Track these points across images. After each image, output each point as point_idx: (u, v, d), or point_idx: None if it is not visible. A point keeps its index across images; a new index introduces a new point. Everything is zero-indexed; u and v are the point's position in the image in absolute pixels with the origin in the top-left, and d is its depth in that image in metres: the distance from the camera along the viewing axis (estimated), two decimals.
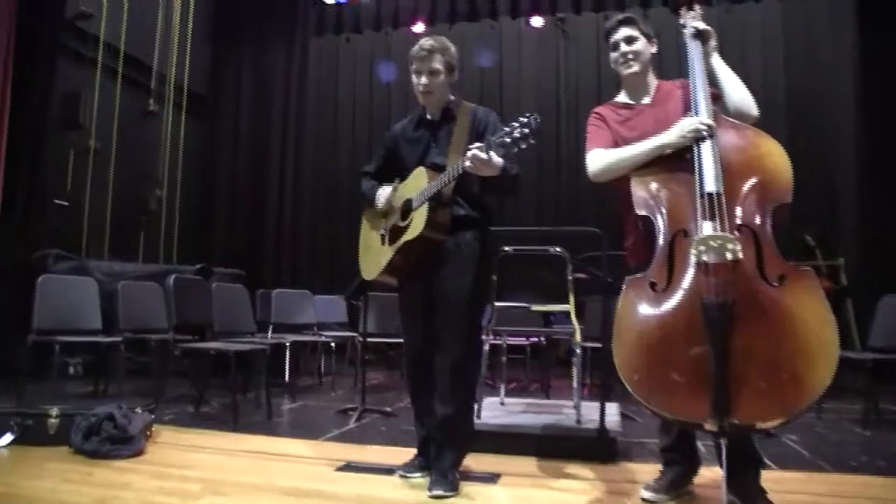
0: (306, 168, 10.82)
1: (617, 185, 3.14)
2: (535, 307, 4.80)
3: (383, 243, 3.60)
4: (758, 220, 2.64)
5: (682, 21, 3.19)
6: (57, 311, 5.56)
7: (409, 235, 3.38)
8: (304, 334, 7.49)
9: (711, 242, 2.51)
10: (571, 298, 4.52)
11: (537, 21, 11.02)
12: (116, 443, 3.91)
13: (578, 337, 4.48)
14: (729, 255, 2.49)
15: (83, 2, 8.74)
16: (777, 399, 2.35)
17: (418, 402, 3.61)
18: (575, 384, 4.46)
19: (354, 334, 7.80)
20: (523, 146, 2.99)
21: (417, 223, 3.35)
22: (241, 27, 10.15)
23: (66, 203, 8.47)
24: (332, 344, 7.72)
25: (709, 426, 2.40)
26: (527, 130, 2.95)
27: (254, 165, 9.75)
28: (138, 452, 3.96)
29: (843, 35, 9.84)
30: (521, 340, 7.25)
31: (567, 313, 4.62)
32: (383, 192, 3.65)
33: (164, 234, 10.28)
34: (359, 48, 12.37)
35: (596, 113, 3.33)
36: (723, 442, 2.48)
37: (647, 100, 3.28)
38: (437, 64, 3.50)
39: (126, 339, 5.91)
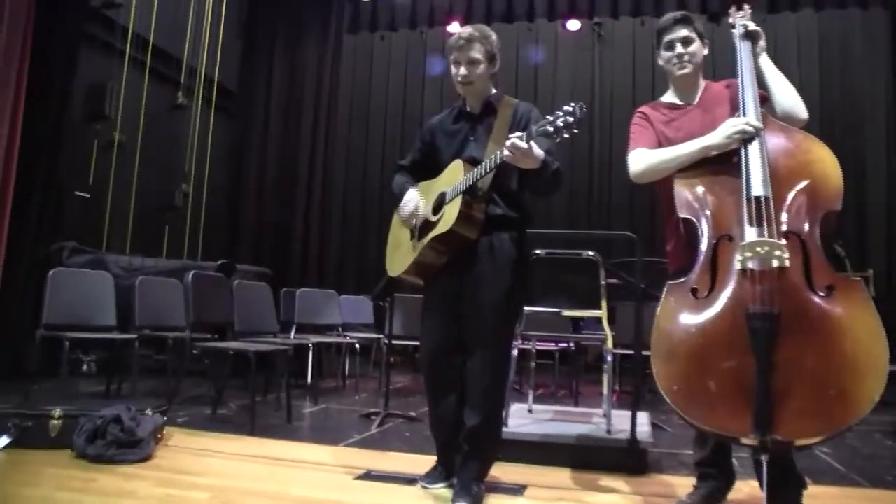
0: (337, 167, 10.72)
1: (660, 187, 3.04)
2: (566, 312, 4.65)
3: (412, 237, 3.41)
4: (806, 228, 2.52)
5: (731, 20, 3.10)
6: (68, 306, 5.36)
7: (439, 230, 3.18)
8: (329, 335, 7.35)
9: (758, 249, 2.41)
10: (604, 304, 4.35)
11: (574, 24, 10.91)
12: (123, 447, 3.69)
13: (610, 343, 4.32)
14: (775, 263, 2.37)
15: None
16: (822, 415, 2.23)
17: (437, 407, 3.42)
18: (605, 392, 4.32)
19: (380, 336, 7.67)
20: (566, 135, 2.82)
21: (449, 217, 3.15)
22: (273, 22, 10.03)
23: (87, 195, 8.41)
24: (357, 345, 7.58)
25: (749, 441, 2.28)
26: (571, 119, 2.78)
27: (283, 163, 9.62)
28: (146, 457, 3.73)
29: (876, 48, 10.04)
30: (550, 345, 7.07)
31: (598, 319, 4.47)
32: (411, 197, 3.41)
33: (189, 231, 10.27)
34: (394, 46, 12.37)
35: (640, 112, 3.21)
36: (763, 458, 2.33)
37: (694, 101, 3.16)
38: (477, 53, 3.32)
39: (141, 337, 5.75)
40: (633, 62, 11.58)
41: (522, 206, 3.35)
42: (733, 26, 3.06)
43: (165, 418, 4.34)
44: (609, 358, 4.33)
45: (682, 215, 2.74)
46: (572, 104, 2.79)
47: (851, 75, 10.39)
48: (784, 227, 2.50)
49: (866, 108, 10.16)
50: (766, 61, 2.99)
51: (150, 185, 9.46)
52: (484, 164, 3.10)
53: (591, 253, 4.39)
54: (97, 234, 8.49)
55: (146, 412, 4.04)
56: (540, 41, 11.88)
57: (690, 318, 2.47)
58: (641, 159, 3.03)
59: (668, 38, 3.13)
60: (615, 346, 4.56)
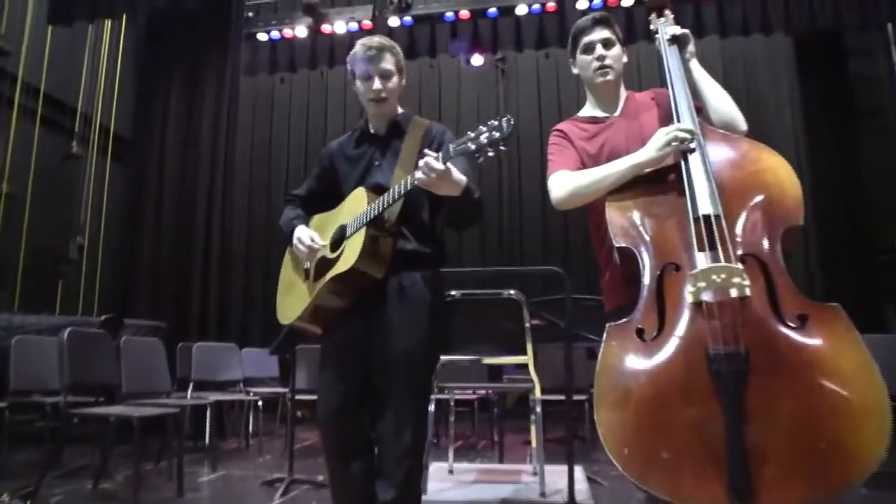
0: (238, 212, 10.30)
1: (589, 213, 2.65)
2: (488, 360, 4.19)
3: (307, 279, 2.87)
4: (766, 248, 2.12)
5: (652, 27, 2.76)
6: None
7: (339, 268, 2.65)
8: (230, 392, 6.83)
9: (713, 276, 2.01)
10: (530, 348, 3.94)
11: (478, 59, 10.66)
12: None
13: (539, 392, 3.90)
14: (734, 292, 1.98)
15: (3, 37, 8.59)
16: (815, 476, 1.81)
17: (341, 478, 2.80)
18: (534, 445, 3.91)
19: (285, 391, 7.12)
20: (491, 153, 2.36)
21: (350, 254, 2.63)
22: (168, 66, 9.54)
23: None
24: (259, 402, 7.02)
25: None
26: (497, 135, 2.32)
27: (179, 210, 9.05)
28: None
29: (779, 72, 10.46)
30: (468, 394, 6.65)
31: (522, 365, 4.06)
32: (302, 233, 2.88)
33: (85, 285, 9.84)
34: (294, 87, 12.07)
35: (557, 130, 2.79)
36: None
37: (616, 112, 2.76)
38: (389, 64, 2.83)
39: (14, 404, 5.17)
40: (539, 96, 11.52)
41: (436, 239, 2.86)
42: (656, 32, 2.72)
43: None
44: (538, 410, 3.90)
45: (618, 244, 2.33)
46: (498, 118, 2.35)
47: (757, 98, 10.57)
48: (741, 250, 2.13)
49: (772, 130, 10.23)
50: (697, 67, 2.65)
51: (41, 238, 9.14)
52: (391, 190, 2.61)
53: (512, 292, 3.99)
54: None
55: (2, 499, 3.45)
56: (443, 78, 11.75)
57: (638, 366, 2.06)
58: (564, 183, 2.60)
59: (585, 40, 2.75)
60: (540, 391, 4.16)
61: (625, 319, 2.16)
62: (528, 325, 3.95)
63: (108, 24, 10.27)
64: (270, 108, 12.39)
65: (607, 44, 2.72)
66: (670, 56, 2.61)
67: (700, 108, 2.57)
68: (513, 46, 9.69)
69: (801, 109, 10.32)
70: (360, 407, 2.75)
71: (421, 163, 2.42)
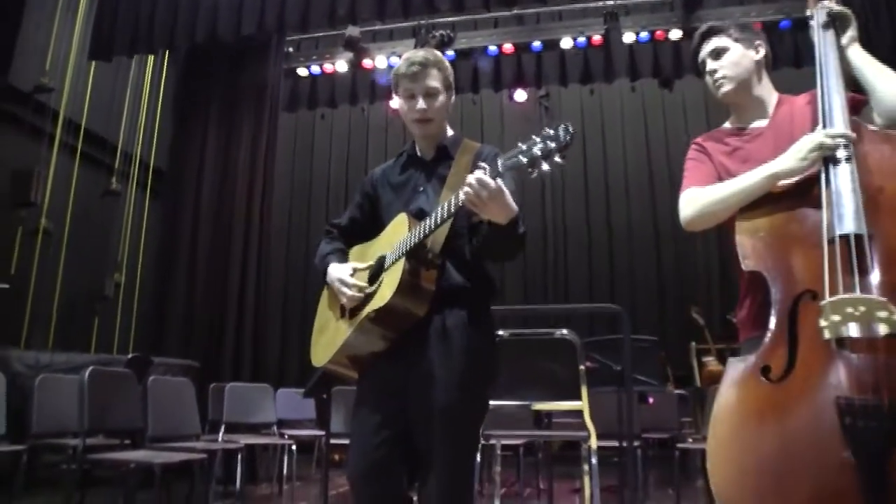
0: (276, 249, 10.12)
1: (727, 234, 2.28)
2: (538, 405, 3.86)
3: (342, 316, 2.55)
4: None
5: (809, 13, 2.37)
6: None
7: (375, 304, 2.34)
8: (263, 434, 6.56)
9: (849, 309, 1.69)
10: (584, 393, 3.61)
11: (521, 95, 10.43)
12: None
13: (594, 442, 3.56)
14: (882, 329, 1.65)
15: (47, 74, 8.60)
16: None
17: None
18: (587, 496, 3.57)
19: (321, 433, 6.84)
20: (546, 167, 2.02)
21: (388, 288, 2.32)
22: (206, 101, 9.46)
23: (6, 286, 7.77)
24: (293, 446, 6.70)
25: None
26: (553, 145, 2.00)
27: (215, 247, 8.88)
28: None
29: None
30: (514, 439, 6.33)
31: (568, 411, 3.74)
32: (335, 269, 2.59)
33: (121, 323, 9.73)
34: (335, 123, 11.99)
35: (696, 144, 2.51)
36: None
37: (763, 122, 2.44)
38: (435, 81, 2.54)
39: (33, 447, 4.92)
40: (583, 132, 11.30)
41: (484, 273, 2.52)
42: (811, 18, 2.35)
43: None
44: (594, 461, 3.57)
45: (746, 268, 2.05)
46: (554, 125, 2.03)
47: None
48: None
49: None
50: (858, 53, 2.26)
51: (78, 275, 9.09)
52: (434, 214, 2.28)
53: (565, 332, 3.67)
54: (16, 328, 8.02)
55: None
56: (485, 113, 11.60)
57: (762, 411, 1.75)
58: (691, 201, 2.32)
59: (700, 59, 2.50)
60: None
61: (752, 355, 1.87)
62: (582, 367, 3.63)
63: (150, 60, 10.30)
64: (311, 144, 12.39)
65: (717, 54, 2.45)
66: (824, 44, 2.26)
67: (861, 103, 2.22)
68: (557, 81, 9.45)
69: None
70: (395, 462, 2.41)
71: (470, 177, 2.11)
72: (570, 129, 2.00)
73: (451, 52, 9.26)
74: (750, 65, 2.42)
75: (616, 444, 4.29)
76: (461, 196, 2.14)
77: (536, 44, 9.21)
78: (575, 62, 9.21)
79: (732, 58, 2.42)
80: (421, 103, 2.53)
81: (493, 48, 9.29)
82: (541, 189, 11.25)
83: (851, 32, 2.27)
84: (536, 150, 2.02)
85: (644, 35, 8.84)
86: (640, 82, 9.55)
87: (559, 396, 3.75)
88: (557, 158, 2.00)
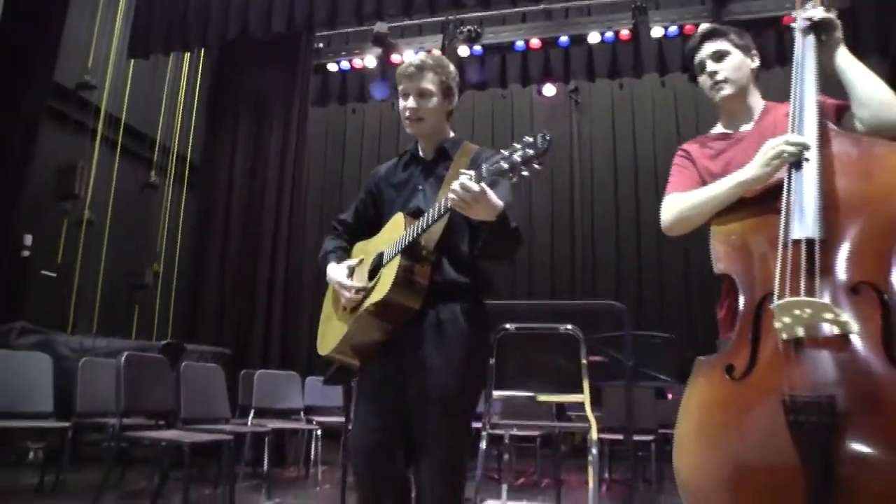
0: (308, 241, 10.25)
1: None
2: (542, 397, 3.99)
3: (344, 310, 2.73)
4: (892, 277, 1.83)
5: (793, 15, 2.40)
6: (5, 391, 4.96)
7: (373, 298, 2.52)
8: (291, 420, 6.81)
9: (797, 311, 1.77)
10: (586, 387, 3.74)
11: (549, 90, 10.48)
12: None
13: (595, 433, 3.70)
14: (828, 329, 1.75)
15: (89, 71, 8.91)
16: None
17: None
18: (591, 487, 3.71)
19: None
20: (525, 173, 2.18)
21: (384, 283, 2.48)
22: (236, 96, 9.67)
23: (53, 274, 8.27)
24: (318, 431, 6.93)
25: None
26: (531, 152, 2.14)
27: (245, 237, 9.11)
28: None
29: None
30: (531, 431, 6.48)
31: (581, 403, 3.87)
32: (333, 270, 2.79)
33: (159, 311, 10.05)
34: (366, 117, 12.11)
35: (681, 150, 2.58)
36: None
37: (747, 126, 2.48)
38: (429, 84, 2.69)
39: (77, 425, 5.24)
40: (613, 127, 11.32)
41: (478, 270, 2.66)
42: (795, 21, 2.35)
43: None
44: (595, 451, 3.71)
45: (717, 270, 2.16)
46: (534, 135, 2.19)
47: None
48: (854, 277, 1.85)
49: None
50: (844, 57, 2.25)
51: (119, 264, 9.39)
52: (427, 214, 2.46)
53: (569, 327, 3.82)
54: (63, 314, 8.34)
55: None
56: (515, 108, 11.65)
57: (723, 407, 1.85)
58: (671, 206, 2.40)
59: (697, 59, 2.53)
60: (603, 430, 3.98)
61: (718, 354, 2.00)
62: (584, 362, 3.77)
63: (185, 57, 10.57)
64: (342, 138, 12.46)
65: (719, 56, 2.47)
66: (802, 48, 2.27)
67: (844, 108, 2.25)
68: (585, 76, 9.45)
69: None
70: (394, 446, 2.59)
71: (454, 183, 2.27)
72: (548, 137, 2.15)
73: (478, 48, 9.38)
74: (748, 72, 2.47)
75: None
76: (448, 198, 2.30)
77: (564, 38, 9.18)
78: (603, 57, 9.15)
79: (734, 62, 2.46)
80: (411, 102, 2.70)
81: (520, 43, 9.31)
82: (570, 184, 11.26)
83: (837, 35, 2.27)
84: (517, 157, 2.17)
85: (673, 29, 8.75)
86: (670, 77, 9.42)
87: (563, 389, 3.89)
88: (535, 164, 2.15)
